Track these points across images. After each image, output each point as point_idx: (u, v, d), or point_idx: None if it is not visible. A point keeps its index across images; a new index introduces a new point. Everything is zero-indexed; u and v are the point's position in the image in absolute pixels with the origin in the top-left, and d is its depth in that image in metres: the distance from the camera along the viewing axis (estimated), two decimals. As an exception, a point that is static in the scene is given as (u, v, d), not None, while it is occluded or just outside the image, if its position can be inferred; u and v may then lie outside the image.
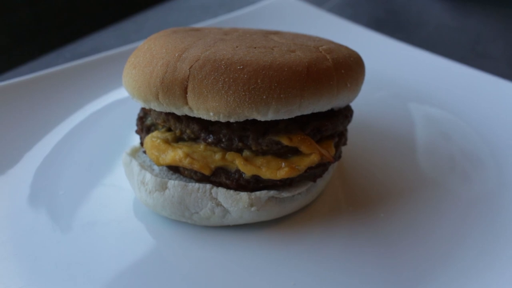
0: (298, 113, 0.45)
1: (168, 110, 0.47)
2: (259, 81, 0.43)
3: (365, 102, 0.74)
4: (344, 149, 0.62)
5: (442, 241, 0.50)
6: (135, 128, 0.58)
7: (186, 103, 0.45)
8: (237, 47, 0.46)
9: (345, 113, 0.53)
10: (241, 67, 0.43)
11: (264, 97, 0.43)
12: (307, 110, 0.46)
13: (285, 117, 0.45)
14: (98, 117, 0.70)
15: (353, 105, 0.71)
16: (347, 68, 0.48)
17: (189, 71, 0.44)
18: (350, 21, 0.96)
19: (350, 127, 0.64)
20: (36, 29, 1.53)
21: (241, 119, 0.44)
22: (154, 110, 0.53)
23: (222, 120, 0.44)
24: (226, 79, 0.43)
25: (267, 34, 0.54)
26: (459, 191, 0.57)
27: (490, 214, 0.54)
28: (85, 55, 0.92)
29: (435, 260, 0.48)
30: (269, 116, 0.44)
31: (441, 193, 0.57)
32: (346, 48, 0.53)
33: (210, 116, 0.45)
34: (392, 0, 1.31)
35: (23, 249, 0.49)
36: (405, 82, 0.80)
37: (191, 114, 0.46)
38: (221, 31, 0.54)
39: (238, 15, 0.97)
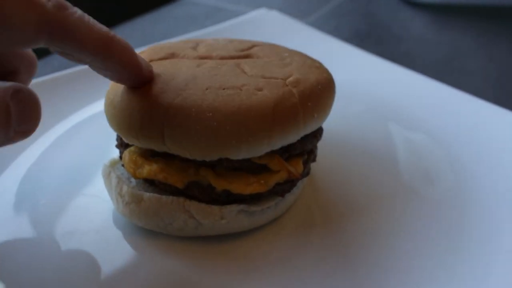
0: (268, 150, 0.49)
1: (148, 147, 0.51)
2: (227, 127, 0.47)
3: (340, 116, 0.77)
4: (317, 162, 0.65)
5: (413, 250, 0.54)
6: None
7: (164, 144, 0.49)
8: (206, 89, 0.49)
9: (314, 133, 0.56)
10: (211, 114, 0.47)
11: (234, 142, 0.47)
12: (276, 146, 0.50)
13: (256, 155, 0.49)
14: (82, 127, 0.73)
15: (328, 118, 0.74)
16: (314, 99, 0.51)
17: (163, 121, 0.48)
18: (330, 35, 0.99)
19: (323, 140, 0.66)
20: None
21: (215, 159, 0.49)
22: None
23: (199, 159, 0.49)
24: (198, 128, 0.47)
25: (239, 62, 0.56)
26: (431, 205, 0.60)
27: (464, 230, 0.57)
28: (72, 64, 0.94)
29: (407, 268, 0.51)
30: (241, 156, 0.48)
31: (412, 206, 0.60)
32: (317, 70, 0.56)
33: (188, 156, 0.49)
34: (375, 13, 1.34)
35: (2, 254, 0.52)
36: (381, 97, 0.83)
37: (170, 152, 0.50)
38: (194, 62, 0.56)
39: (223, 27, 1.00)
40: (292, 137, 0.50)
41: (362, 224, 0.57)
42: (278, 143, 0.49)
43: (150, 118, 0.48)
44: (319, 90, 0.53)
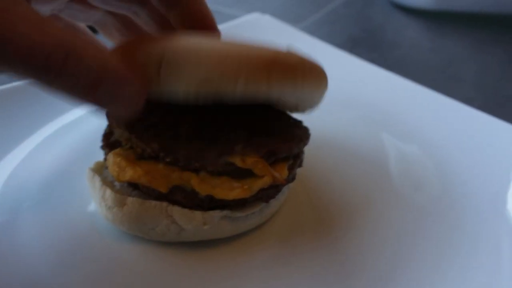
0: (266, 95, 0.47)
1: None
2: (228, 61, 0.44)
3: (331, 122, 0.77)
4: (305, 168, 0.65)
5: (400, 255, 0.54)
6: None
7: (158, 76, 0.45)
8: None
9: (301, 136, 0.55)
10: (213, 49, 0.45)
11: (232, 75, 0.44)
12: (273, 95, 0.48)
13: (253, 95, 0.46)
14: (69, 129, 0.72)
15: (316, 123, 0.74)
16: (313, 67, 0.50)
17: (164, 49, 0.45)
18: (323, 41, 0.99)
19: (313, 146, 0.66)
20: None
21: (211, 94, 0.45)
22: (119, 128, 0.55)
23: (192, 95, 0.45)
24: (198, 55, 0.44)
25: None
26: (419, 212, 0.60)
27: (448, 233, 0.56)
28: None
29: (394, 271, 0.52)
30: (238, 90, 0.45)
31: (401, 212, 0.60)
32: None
33: (180, 90, 0.45)
34: (369, 18, 1.34)
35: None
36: (373, 103, 0.83)
37: (161, 88, 0.46)
38: None
39: (216, 31, 0.99)
40: (289, 92, 0.48)
41: (348, 232, 0.57)
42: (275, 90, 0.47)
43: (150, 51, 0.45)
44: (317, 66, 0.51)
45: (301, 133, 0.56)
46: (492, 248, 0.54)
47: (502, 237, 0.55)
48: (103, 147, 0.58)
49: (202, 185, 0.50)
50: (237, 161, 0.49)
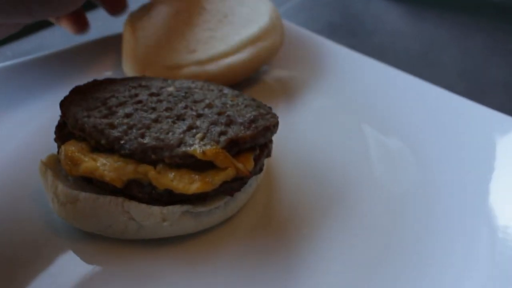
0: None
1: None
2: None
3: (307, 110, 0.74)
4: (276, 158, 0.61)
5: (373, 248, 0.51)
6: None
7: None
8: None
9: (268, 124, 0.51)
10: None
11: None
12: None
13: None
14: (26, 121, 0.68)
15: (291, 112, 0.70)
16: None
17: None
18: (301, 27, 0.95)
19: (285, 135, 0.62)
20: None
21: None
22: (71, 119, 0.51)
23: None
24: None
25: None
26: (396, 201, 0.57)
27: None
28: (28, 54, 0.89)
29: (373, 262, 0.49)
30: None
31: (378, 201, 0.57)
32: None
33: None
34: (349, 5, 1.31)
35: None
36: (351, 90, 0.79)
37: None
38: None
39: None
40: None
41: (321, 225, 0.53)
42: None
43: None
44: None
45: (267, 121, 0.52)
46: (471, 236, 0.52)
47: (481, 225, 0.53)
48: (55, 139, 0.54)
49: (160, 178, 0.46)
50: (197, 152, 0.46)
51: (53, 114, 0.58)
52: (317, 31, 1.00)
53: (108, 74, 0.80)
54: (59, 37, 1.01)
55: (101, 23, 1.10)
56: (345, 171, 0.62)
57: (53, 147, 0.57)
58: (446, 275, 0.47)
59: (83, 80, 0.76)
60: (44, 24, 1.06)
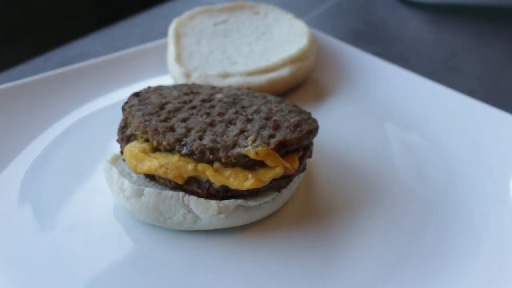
0: None
1: None
2: None
3: (336, 115, 0.79)
4: (314, 158, 0.67)
5: (399, 246, 0.56)
6: (117, 136, 0.62)
7: None
8: None
9: (310, 128, 0.57)
10: None
11: None
12: None
13: None
14: (84, 123, 0.74)
15: (324, 116, 0.76)
16: None
17: None
18: (326, 34, 1.01)
19: (320, 138, 0.68)
20: (24, 28, 1.53)
21: None
22: (134, 122, 0.57)
23: None
24: None
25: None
26: (422, 203, 0.62)
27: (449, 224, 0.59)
28: (72, 60, 0.95)
29: (397, 261, 0.54)
30: None
31: (404, 203, 0.62)
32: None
33: None
34: (372, 12, 1.36)
35: (5, 248, 0.53)
36: (376, 96, 0.84)
37: None
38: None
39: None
40: None
41: (356, 220, 0.59)
42: None
43: None
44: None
45: (310, 125, 0.58)
46: (497, 238, 0.56)
47: (506, 226, 0.57)
48: (118, 140, 0.61)
49: (217, 176, 0.52)
50: (251, 153, 0.52)
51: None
52: (342, 38, 1.06)
53: (156, 79, 0.86)
54: (100, 44, 1.07)
55: (140, 30, 1.17)
56: (375, 171, 0.67)
57: (107, 145, 0.63)
58: (475, 274, 0.52)
59: (132, 85, 0.82)
60: (85, 31, 1.13)
